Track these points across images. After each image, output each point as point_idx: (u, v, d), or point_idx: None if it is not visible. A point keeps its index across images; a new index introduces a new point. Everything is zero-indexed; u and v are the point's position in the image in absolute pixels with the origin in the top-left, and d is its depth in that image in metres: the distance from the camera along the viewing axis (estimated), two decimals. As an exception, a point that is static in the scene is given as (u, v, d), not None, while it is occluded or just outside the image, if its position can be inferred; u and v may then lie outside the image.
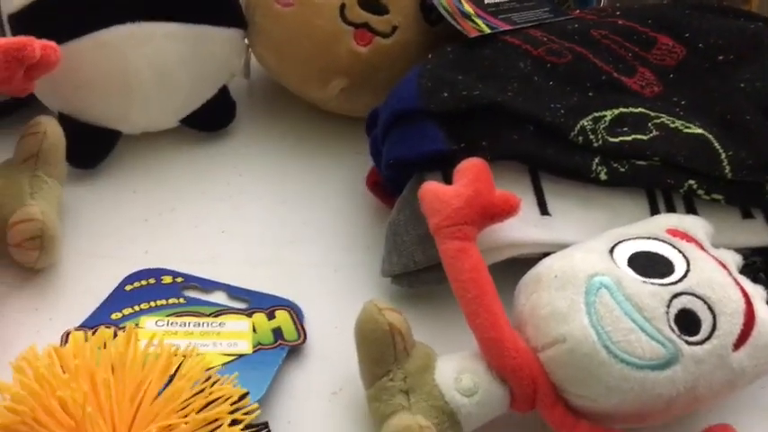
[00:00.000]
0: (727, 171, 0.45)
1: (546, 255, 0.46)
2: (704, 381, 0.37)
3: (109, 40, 0.50)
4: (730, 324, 0.37)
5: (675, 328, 0.37)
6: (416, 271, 0.46)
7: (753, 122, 0.46)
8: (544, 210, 0.46)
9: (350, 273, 0.49)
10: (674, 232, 0.41)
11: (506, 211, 0.42)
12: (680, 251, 0.40)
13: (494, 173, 0.43)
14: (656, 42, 0.51)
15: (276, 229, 0.52)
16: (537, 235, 0.45)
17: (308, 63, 0.55)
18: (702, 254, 0.40)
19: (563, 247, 0.45)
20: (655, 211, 0.46)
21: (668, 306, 0.37)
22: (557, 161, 0.46)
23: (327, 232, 0.52)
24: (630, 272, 0.39)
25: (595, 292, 0.38)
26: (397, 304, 0.41)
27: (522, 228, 0.45)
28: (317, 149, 0.58)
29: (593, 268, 0.39)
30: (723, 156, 0.45)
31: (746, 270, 0.42)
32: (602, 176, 0.46)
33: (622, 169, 0.46)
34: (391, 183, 0.49)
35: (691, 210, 0.46)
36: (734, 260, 0.42)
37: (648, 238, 0.41)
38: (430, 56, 0.50)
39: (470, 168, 0.42)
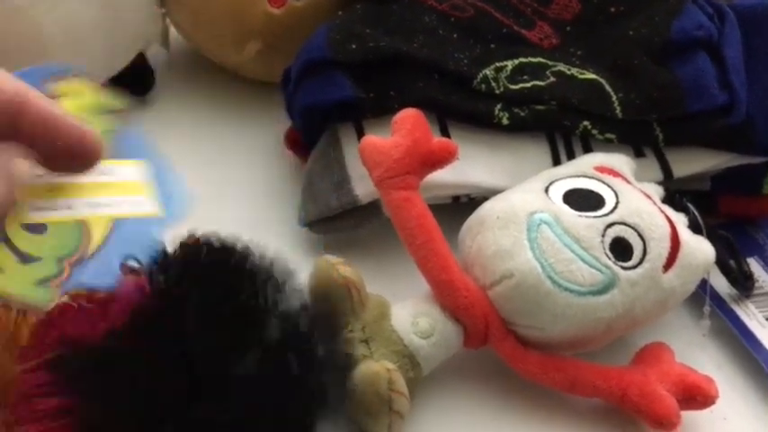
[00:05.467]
0: (617, 111, 0.48)
1: (455, 199, 0.49)
2: (640, 302, 0.40)
3: (20, 4, 0.47)
4: (659, 248, 0.41)
5: (611, 256, 0.40)
6: (331, 218, 0.48)
7: (640, 66, 0.49)
8: None
9: (268, 227, 0.49)
10: (602, 169, 0.44)
11: (446, 157, 0.43)
12: (609, 186, 0.43)
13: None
14: (553, -2, 0.54)
15: (196, 190, 0.50)
16: (446, 177, 0.45)
17: (223, 26, 0.54)
18: (629, 187, 0.43)
19: (471, 188, 0.48)
20: (555, 152, 0.49)
21: (603, 236, 0.40)
22: (461, 107, 0.48)
23: (246, 191, 0.52)
24: (566, 207, 0.41)
25: (536, 228, 0.40)
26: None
27: None
28: (237, 116, 0.57)
29: (531, 206, 0.41)
30: (614, 98, 0.48)
31: (667, 200, 0.46)
32: (505, 121, 0.48)
33: (523, 114, 0.48)
34: (307, 136, 0.50)
35: (588, 150, 0.49)
36: (656, 191, 0.45)
37: (579, 176, 0.43)
38: (340, 13, 0.51)
39: (407, 119, 0.43)
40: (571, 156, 0.49)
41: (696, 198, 0.49)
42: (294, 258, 0.38)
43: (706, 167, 0.50)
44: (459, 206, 0.48)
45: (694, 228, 0.45)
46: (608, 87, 0.49)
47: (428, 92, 0.48)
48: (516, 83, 0.49)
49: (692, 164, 0.50)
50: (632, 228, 0.41)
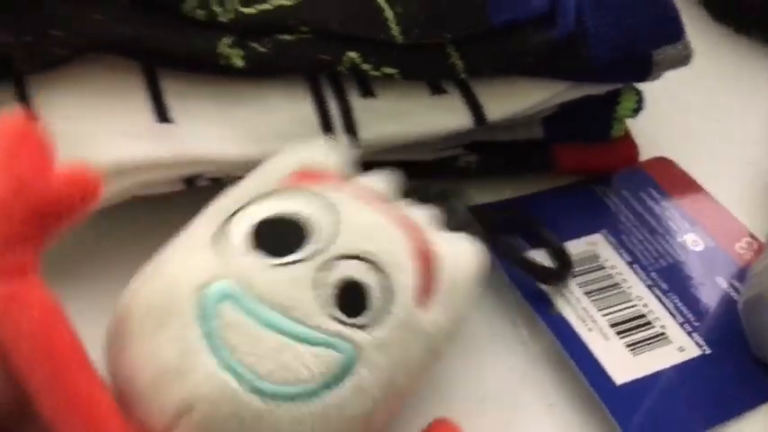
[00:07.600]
0: (395, 33, 0.33)
1: (189, 182, 0.34)
2: (401, 368, 0.26)
3: None
4: (402, 276, 0.26)
5: (339, 314, 0.24)
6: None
7: None
8: (163, 116, 0.33)
9: None
10: (302, 176, 0.28)
11: (79, 198, 0.24)
12: (318, 198, 0.27)
13: (85, 70, 0.32)
14: None
15: None
16: (149, 149, 0.32)
17: None
18: (345, 194, 0.27)
19: (202, 164, 0.33)
20: (320, 101, 0.34)
21: (317, 287, 0.24)
22: (167, 47, 0.33)
23: None
24: (261, 257, 0.25)
25: (214, 313, 0.24)
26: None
27: (125, 142, 0.32)
28: None
29: (200, 274, 0.24)
30: (389, 12, 0.33)
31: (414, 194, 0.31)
32: (238, 62, 0.33)
33: (263, 49, 0.33)
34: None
35: (368, 93, 0.34)
36: (387, 184, 0.30)
37: (273, 195, 0.27)
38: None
39: (2, 139, 0.23)
40: (344, 104, 0.34)
41: (529, 151, 0.36)
42: None
43: (530, 104, 0.35)
44: (200, 193, 0.31)
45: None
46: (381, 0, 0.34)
47: (111, 27, 0.32)
48: (251, 4, 0.33)
49: (511, 100, 0.35)
50: (363, 260, 0.25)
